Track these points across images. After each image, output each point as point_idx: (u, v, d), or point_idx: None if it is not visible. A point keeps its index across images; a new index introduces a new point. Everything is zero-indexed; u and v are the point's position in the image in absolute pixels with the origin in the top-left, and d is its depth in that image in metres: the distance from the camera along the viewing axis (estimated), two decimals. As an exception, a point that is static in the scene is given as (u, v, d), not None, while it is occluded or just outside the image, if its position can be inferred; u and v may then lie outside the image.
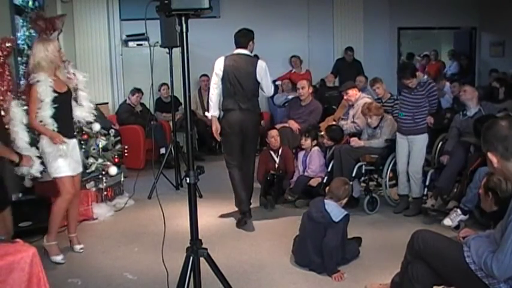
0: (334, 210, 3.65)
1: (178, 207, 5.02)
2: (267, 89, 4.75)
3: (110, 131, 5.51)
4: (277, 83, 9.02)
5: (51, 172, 3.88)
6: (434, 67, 11.25)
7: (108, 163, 5.22)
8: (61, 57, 3.93)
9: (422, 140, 4.84)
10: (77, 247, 4.16)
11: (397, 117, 5.12)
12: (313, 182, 5.26)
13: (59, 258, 3.91)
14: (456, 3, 10.11)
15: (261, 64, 4.65)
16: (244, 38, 4.67)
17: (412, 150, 4.85)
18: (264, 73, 4.65)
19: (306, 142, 5.48)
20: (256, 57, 4.95)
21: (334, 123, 6.00)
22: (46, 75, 3.75)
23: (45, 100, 3.73)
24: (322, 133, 5.74)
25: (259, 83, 4.68)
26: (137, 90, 7.59)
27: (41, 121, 3.74)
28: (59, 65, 3.91)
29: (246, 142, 4.73)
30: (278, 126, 6.10)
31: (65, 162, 3.86)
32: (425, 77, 5.13)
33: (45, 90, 3.72)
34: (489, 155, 2.21)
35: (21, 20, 6.41)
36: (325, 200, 3.74)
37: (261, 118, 5.50)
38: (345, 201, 3.80)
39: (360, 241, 4.05)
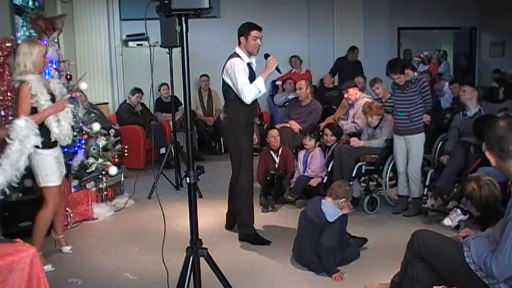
0: (330, 210, 3.62)
1: (178, 207, 5.02)
2: (237, 92, 3.97)
3: (110, 131, 5.52)
4: (277, 83, 9.04)
5: (40, 181, 3.65)
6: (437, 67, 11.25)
7: (108, 163, 5.23)
8: (44, 64, 3.72)
9: (420, 139, 4.83)
10: (66, 248, 4.07)
11: (396, 118, 5.12)
12: (313, 182, 5.26)
13: (48, 267, 3.64)
14: (456, 3, 10.11)
15: (229, 63, 4.02)
16: (238, 34, 4.14)
17: (410, 151, 4.84)
18: (230, 72, 3.99)
19: (310, 142, 5.46)
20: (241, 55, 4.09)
21: (332, 122, 6.01)
22: (35, 75, 3.56)
23: (42, 99, 3.52)
24: (326, 131, 5.71)
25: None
26: (137, 91, 7.59)
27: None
28: (40, 71, 3.70)
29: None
30: (278, 126, 6.10)
31: (56, 170, 3.68)
32: (416, 74, 5.12)
33: (38, 88, 3.51)
34: (487, 153, 2.24)
35: (21, 20, 6.42)
36: (322, 200, 3.73)
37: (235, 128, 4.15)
38: (342, 201, 3.74)
39: (365, 242, 4.05)
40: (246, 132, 4.14)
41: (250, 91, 3.95)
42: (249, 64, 4.09)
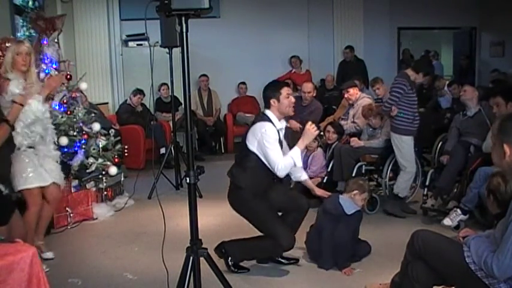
0: (347, 203, 3.71)
1: (178, 207, 5.02)
2: (269, 163, 3.50)
3: (110, 131, 5.51)
4: (277, 83, 9.03)
5: (18, 184, 3.53)
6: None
7: (108, 163, 5.22)
8: (21, 63, 3.55)
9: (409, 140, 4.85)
10: (49, 254, 3.86)
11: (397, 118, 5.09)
12: (313, 182, 5.24)
13: (50, 254, 3.77)
14: (456, 3, 10.11)
15: (259, 127, 3.51)
16: (265, 98, 3.64)
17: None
18: (259, 139, 3.50)
19: (314, 143, 5.45)
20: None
21: (333, 121, 6.01)
22: (15, 75, 3.53)
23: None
24: (328, 128, 5.69)
25: None
26: (139, 92, 7.56)
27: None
28: (22, 70, 3.58)
29: None
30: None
31: (33, 172, 3.58)
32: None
33: (14, 89, 3.46)
34: (505, 146, 2.17)
35: (21, 20, 6.43)
36: (340, 195, 3.83)
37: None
38: (354, 192, 3.76)
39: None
40: (260, 198, 3.55)
41: (286, 165, 3.42)
42: (278, 130, 3.57)
